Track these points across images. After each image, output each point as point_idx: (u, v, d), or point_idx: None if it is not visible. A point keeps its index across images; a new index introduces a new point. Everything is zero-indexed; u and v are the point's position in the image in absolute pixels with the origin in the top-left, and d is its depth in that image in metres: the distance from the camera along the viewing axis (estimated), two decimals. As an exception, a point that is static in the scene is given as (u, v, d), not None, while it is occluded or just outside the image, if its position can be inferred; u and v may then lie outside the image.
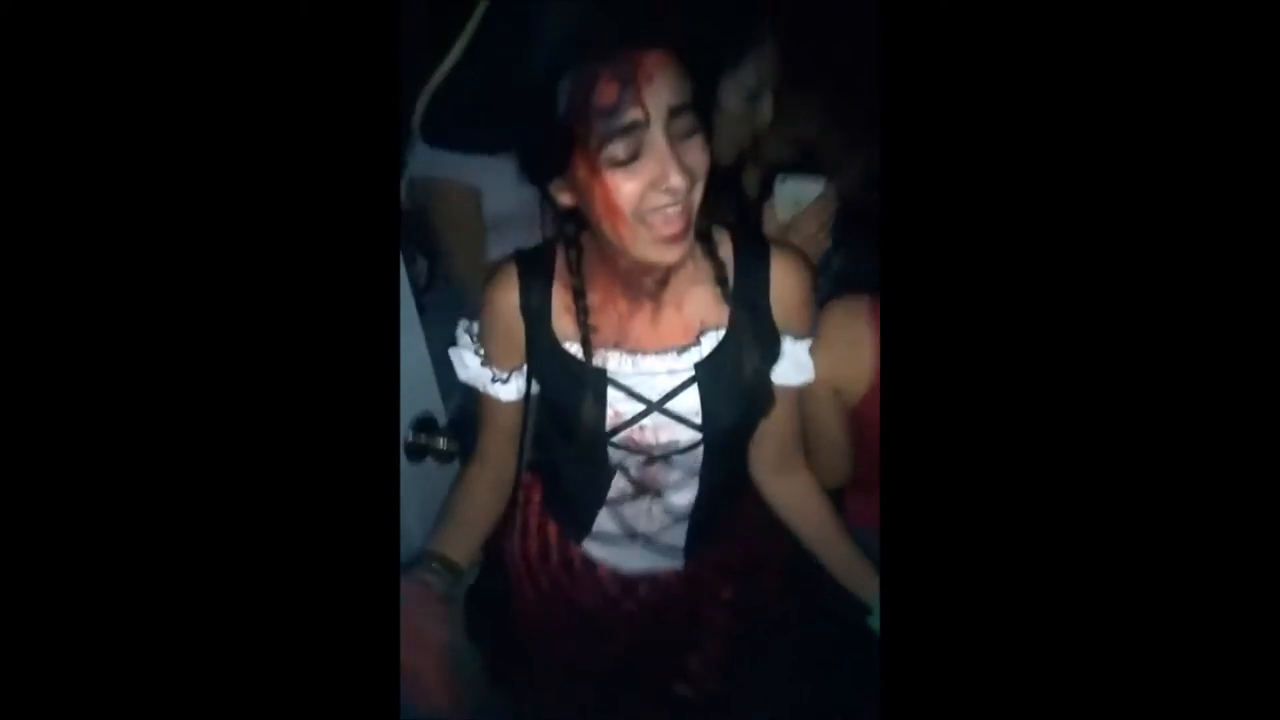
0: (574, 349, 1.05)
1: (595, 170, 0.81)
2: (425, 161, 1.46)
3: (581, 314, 1.02)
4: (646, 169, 0.81)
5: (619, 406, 1.07)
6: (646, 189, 0.82)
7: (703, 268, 1.03)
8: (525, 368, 1.10)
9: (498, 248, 1.39)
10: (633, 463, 1.16)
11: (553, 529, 1.34)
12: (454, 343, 1.14)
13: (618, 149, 0.80)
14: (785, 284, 1.04)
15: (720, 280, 1.03)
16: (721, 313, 1.04)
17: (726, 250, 1.05)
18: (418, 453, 1.33)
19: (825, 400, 1.25)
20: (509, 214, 1.33)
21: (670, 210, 0.84)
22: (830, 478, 1.32)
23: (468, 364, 1.13)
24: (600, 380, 1.05)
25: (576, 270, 1.01)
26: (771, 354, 1.08)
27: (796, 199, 1.22)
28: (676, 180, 0.81)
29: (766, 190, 1.28)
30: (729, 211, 1.11)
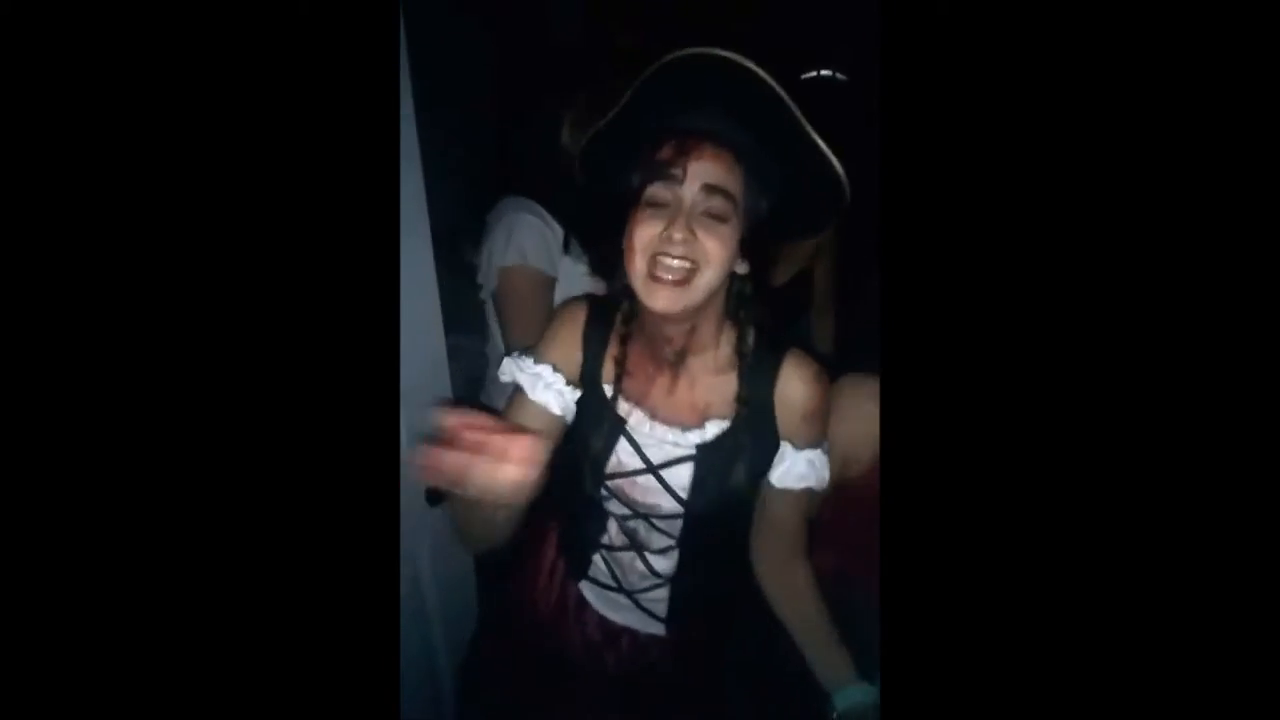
0: (608, 390, 1.15)
1: (637, 208, 0.99)
2: (519, 253, 1.61)
3: (620, 363, 1.14)
4: (665, 218, 0.97)
5: (623, 456, 1.16)
6: (660, 235, 0.97)
7: (721, 358, 1.13)
8: (577, 391, 1.17)
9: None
10: (621, 513, 1.24)
11: (560, 565, 1.41)
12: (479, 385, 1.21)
13: (656, 191, 0.98)
14: (792, 392, 1.12)
15: (734, 374, 1.13)
16: (730, 406, 1.13)
17: (747, 349, 1.14)
18: (436, 498, 1.41)
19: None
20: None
21: (673, 262, 0.97)
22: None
23: (532, 369, 1.15)
24: (617, 428, 1.15)
25: (628, 322, 1.14)
26: (768, 457, 1.15)
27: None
28: (679, 234, 0.95)
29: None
30: (760, 317, 1.17)
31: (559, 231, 1.64)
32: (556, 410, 1.13)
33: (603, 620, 1.38)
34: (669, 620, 1.35)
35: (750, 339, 1.13)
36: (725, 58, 0.91)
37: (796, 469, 1.14)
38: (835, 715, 1.15)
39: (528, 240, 1.61)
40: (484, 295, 1.74)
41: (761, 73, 0.91)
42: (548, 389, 1.13)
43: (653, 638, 1.37)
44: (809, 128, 0.94)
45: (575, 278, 1.59)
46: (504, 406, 1.18)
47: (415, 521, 1.39)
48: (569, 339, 1.17)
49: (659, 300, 0.98)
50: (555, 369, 1.14)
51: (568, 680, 1.40)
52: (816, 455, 1.14)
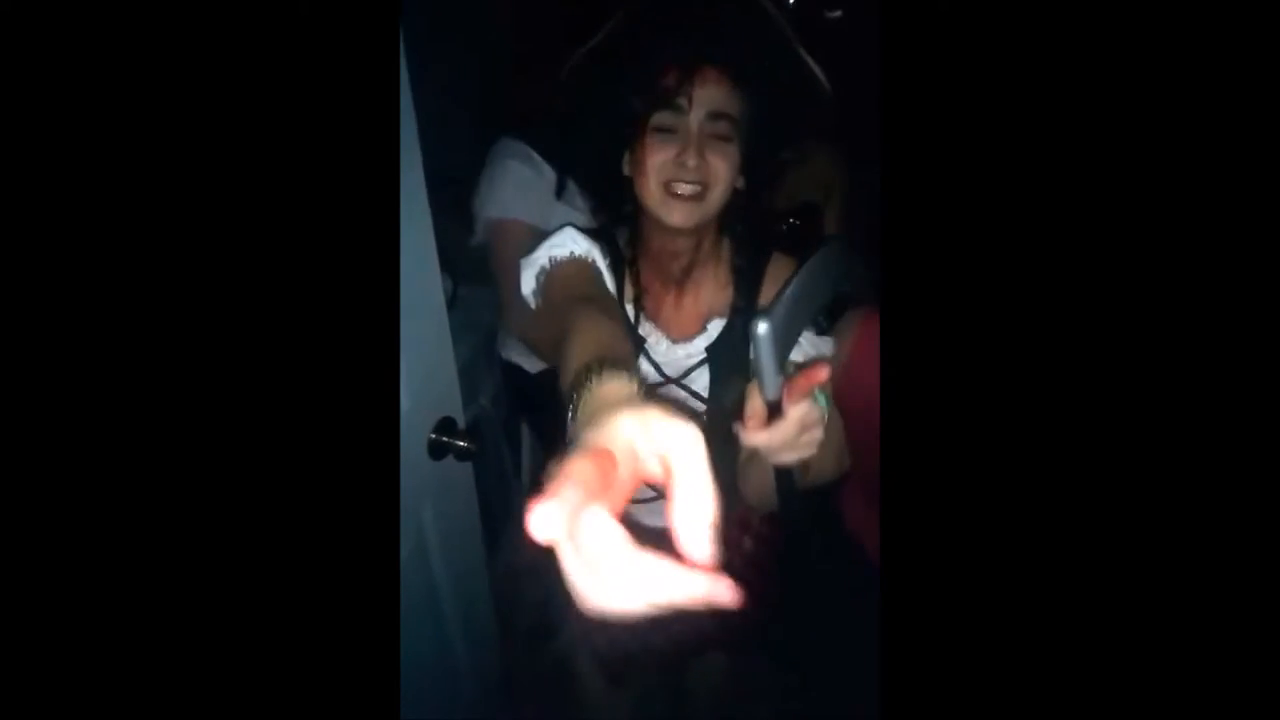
0: (630, 312, 1.23)
1: (643, 134, 1.06)
2: (500, 205, 1.59)
3: (635, 283, 1.22)
4: (676, 143, 1.05)
5: (645, 370, 1.24)
6: (672, 159, 1.05)
7: (721, 270, 1.24)
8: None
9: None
10: None
11: None
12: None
13: (662, 118, 1.04)
14: (777, 279, 1.20)
15: (728, 276, 1.24)
16: (726, 304, 1.23)
17: (740, 257, 1.25)
18: (439, 450, 1.42)
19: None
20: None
21: (686, 183, 1.06)
22: (827, 468, 1.39)
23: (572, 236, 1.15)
24: (638, 347, 1.23)
25: (632, 244, 1.22)
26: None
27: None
28: (692, 160, 1.04)
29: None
30: (755, 230, 1.29)
31: (550, 175, 1.60)
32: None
33: (637, 526, 1.40)
34: None
35: (746, 250, 1.24)
36: None
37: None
38: None
39: (507, 189, 1.57)
40: (473, 243, 1.72)
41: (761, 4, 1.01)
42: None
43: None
44: (797, 44, 1.05)
45: (564, 215, 1.55)
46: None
47: (418, 478, 1.41)
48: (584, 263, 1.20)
49: (677, 216, 1.09)
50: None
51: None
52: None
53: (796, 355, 1.21)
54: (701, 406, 1.24)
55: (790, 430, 0.79)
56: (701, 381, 1.24)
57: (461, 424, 1.48)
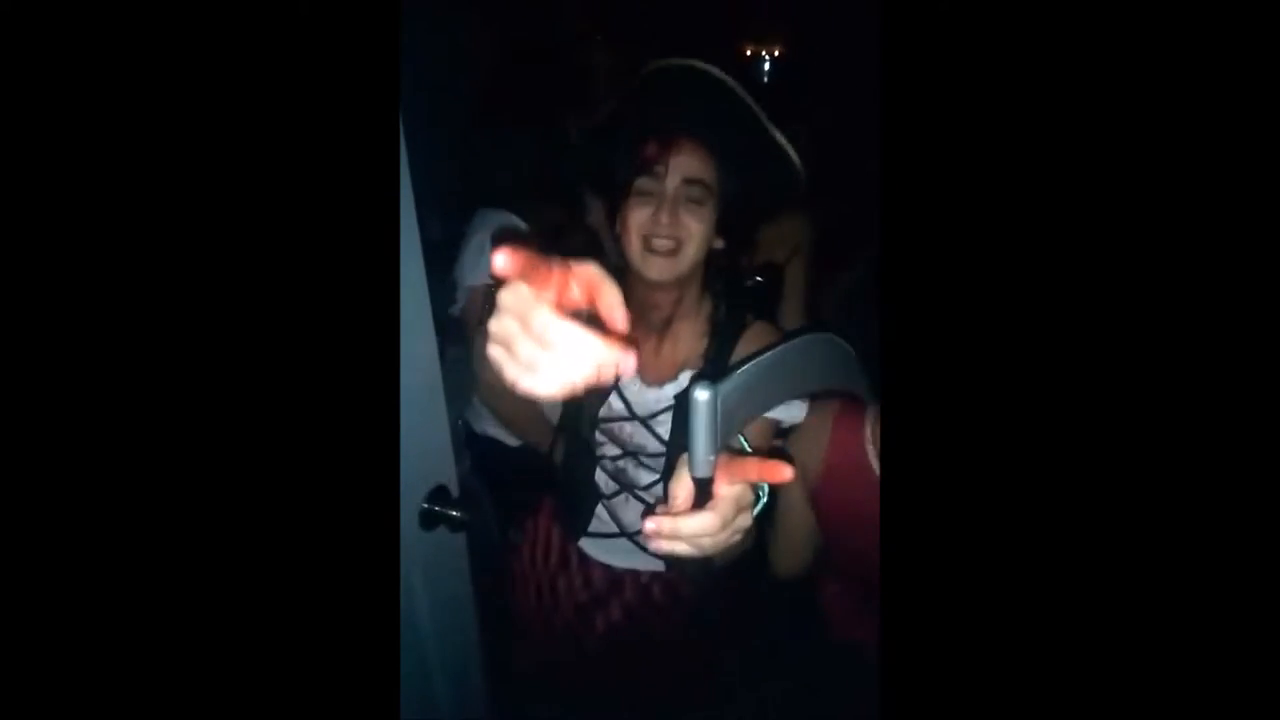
0: None
1: (627, 198, 1.21)
2: (483, 272, 1.68)
3: None
4: (653, 205, 1.19)
5: (614, 405, 1.37)
6: (650, 218, 1.19)
7: (700, 324, 1.35)
8: None
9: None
10: (609, 454, 1.42)
11: (555, 533, 1.57)
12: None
13: (643, 183, 1.20)
14: (752, 343, 1.29)
15: (706, 330, 1.34)
16: (700, 355, 1.33)
17: (720, 316, 1.35)
18: (431, 520, 1.39)
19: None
20: None
21: (661, 239, 1.19)
22: (795, 561, 1.50)
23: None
24: (612, 386, 1.34)
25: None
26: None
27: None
28: (666, 218, 1.18)
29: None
30: (733, 289, 1.40)
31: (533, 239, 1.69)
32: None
33: (606, 568, 1.51)
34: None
35: (723, 308, 1.34)
36: (695, 68, 1.14)
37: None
38: None
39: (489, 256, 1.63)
40: (454, 313, 1.78)
41: (728, 79, 1.14)
42: None
43: (655, 576, 1.50)
44: (770, 126, 1.17)
45: None
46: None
47: (410, 541, 1.38)
48: None
49: (653, 270, 1.22)
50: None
51: (574, 636, 1.52)
52: None
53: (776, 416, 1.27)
54: (661, 447, 1.34)
55: (710, 524, 0.69)
56: (665, 425, 1.34)
57: (455, 493, 1.46)
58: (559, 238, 1.71)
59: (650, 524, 0.70)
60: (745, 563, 1.39)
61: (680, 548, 0.70)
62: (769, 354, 0.65)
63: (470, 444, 2.14)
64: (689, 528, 0.69)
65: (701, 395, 0.62)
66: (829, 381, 0.73)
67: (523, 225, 1.72)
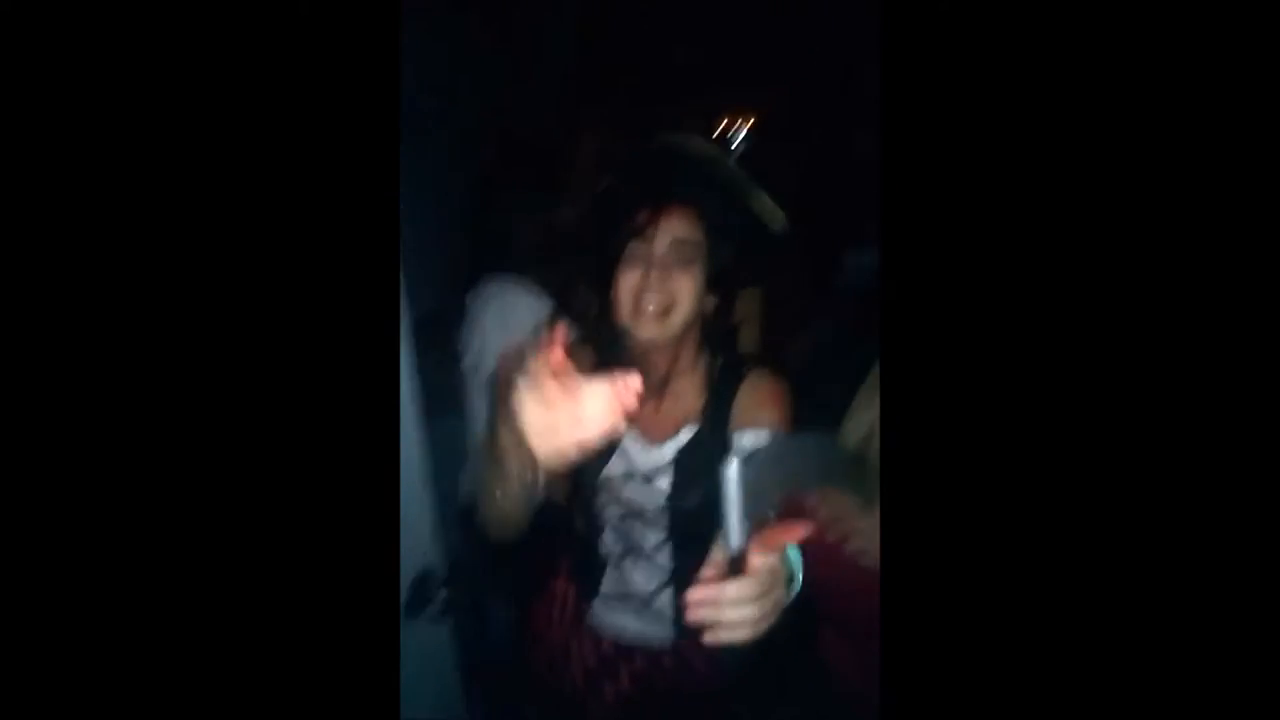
0: None
1: (620, 265, 1.24)
2: (505, 337, 1.72)
3: None
4: (643, 269, 1.23)
5: (615, 465, 1.38)
6: (640, 281, 1.22)
7: (698, 380, 1.36)
8: None
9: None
10: (613, 515, 1.42)
11: (572, 591, 1.56)
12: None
13: (634, 248, 1.23)
14: (750, 400, 1.32)
15: (704, 386, 1.36)
16: (699, 411, 1.35)
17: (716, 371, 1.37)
18: (418, 605, 1.39)
19: None
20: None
21: (652, 302, 1.22)
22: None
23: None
24: (613, 445, 1.36)
25: (616, 355, 1.32)
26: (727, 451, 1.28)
27: None
28: (656, 280, 1.22)
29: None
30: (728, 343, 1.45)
31: (546, 304, 1.75)
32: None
33: (613, 640, 1.50)
34: (676, 623, 1.46)
35: (720, 362, 1.37)
36: (681, 143, 1.25)
37: (744, 444, 1.27)
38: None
39: (526, 320, 1.72)
40: (472, 378, 1.81)
41: (712, 149, 1.24)
42: None
43: (663, 653, 1.49)
44: (754, 188, 1.25)
45: None
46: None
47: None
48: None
49: (646, 330, 1.24)
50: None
51: (580, 708, 1.50)
52: (763, 433, 1.29)
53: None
54: (663, 503, 1.35)
55: (749, 590, 0.70)
56: (667, 482, 1.34)
57: (443, 573, 1.47)
58: (563, 306, 1.75)
59: (691, 594, 0.71)
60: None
61: (723, 615, 0.70)
62: (801, 435, 0.66)
63: (467, 517, 2.09)
64: (729, 594, 0.70)
65: (732, 469, 0.62)
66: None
67: (536, 294, 1.76)
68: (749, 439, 1.28)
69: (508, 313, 1.73)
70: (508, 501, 1.18)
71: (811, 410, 1.50)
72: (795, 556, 0.91)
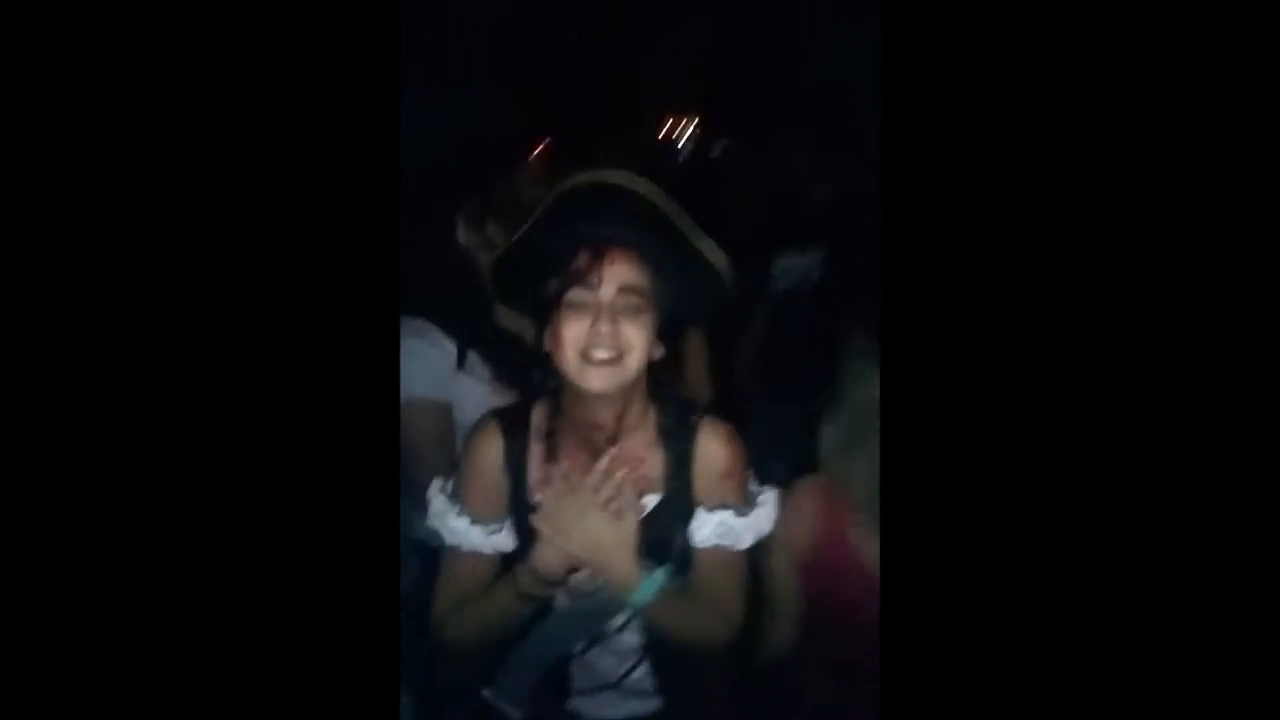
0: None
1: (560, 311, 1.13)
2: (404, 384, 1.51)
3: (551, 456, 1.22)
4: (589, 316, 1.12)
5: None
6: (587, 330, 1.11)
7: (648, 436, 1.24)
8: (508, 521, 1.24)
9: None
10: (569, 607, 1.28)
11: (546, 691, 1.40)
12: (426, 511, 1.27)
13: (577, 294, 1.12)
14: (708, 453, 1.23)
15: (655, 444, 1.24)
16: (659, 480, 1.23)
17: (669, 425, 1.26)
18: None
19: (778, 554, 1.36)
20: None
21: (602, 352, 1.11)
22: (781, 638, 1.41)
23: (455, 528, 1.22)
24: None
25: (553, 418, 1.24)
26: (691, 521, 1.23)
27: None
28: (606, 327, 1.11)
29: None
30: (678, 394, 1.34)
31: (450, 349, 1.60)
32: (491, 551, 1.23)
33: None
34: (663, 690, 1.36)
35: (670, 415, 1.25)
36: (615, 183, 1.12)
37: (704, 530, 1.22)
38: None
39: (412, 369, 1.54)
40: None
41: (650, 192, 1.12)
42: (477, 541, 1.22)
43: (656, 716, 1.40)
44: (697, 235, 1.15)
45: (476, 395, 1.56)
46: (443, 556, 1.26)
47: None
48: (487, 470, 1.24)
49: (595, 381, 1.13)
50: (477, 520, 1.21)
51: None
52: (728, 516, 1.22)
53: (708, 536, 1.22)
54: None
55: None
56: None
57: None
58: (481, 351, 1.61)
59: None
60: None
61: None
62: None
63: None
64: None
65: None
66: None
67: (439, 333, 1.60)
68: (705, 528, 1.22)
69: (412, 360, 1.55)
70: (481, 620, 1.17)
71: (773, 431, 1.45)
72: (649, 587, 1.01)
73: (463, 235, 1.63)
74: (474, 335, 1.60)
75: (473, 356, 1.60)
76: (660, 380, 1.24)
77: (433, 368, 1.58)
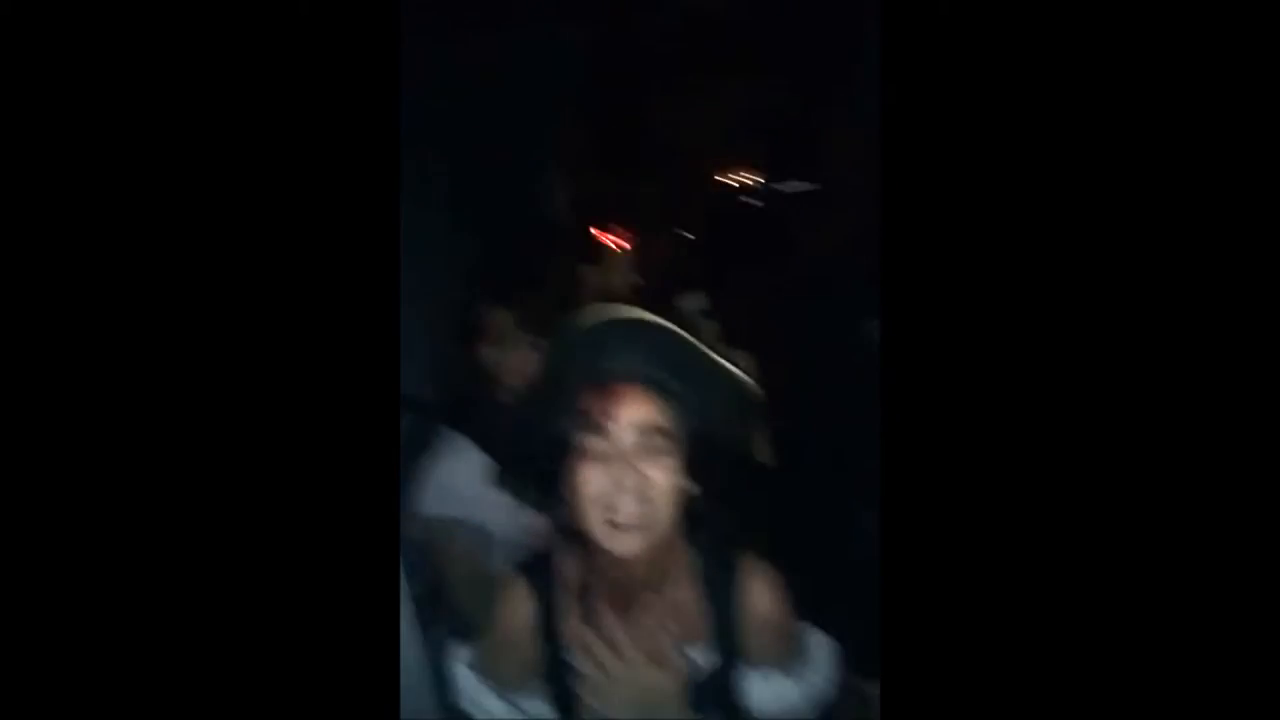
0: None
1: (575, 458, 1.01)
2: (439, 501, 1.51)
3: (584, 618, 1.09)
4: (610, 467, 0.99)
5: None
6: (610, 486, 0.99)
7: (685, 591, 1.11)
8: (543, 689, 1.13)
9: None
10: None
11: None
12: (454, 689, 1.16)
13: (593, 443, 1.00)
14: (756, 601, 1.11)
15: (699, 592, 1.11)
16: (703, 629, 1.10)
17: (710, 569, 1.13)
18: None
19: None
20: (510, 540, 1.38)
21: (630, 509, 0.99)
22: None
23: (491, 709, 1.12)
24: None
25: (584, 570, 1.10)
26: (742, 683, 1.11)
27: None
28: (630, 480, 0.98)
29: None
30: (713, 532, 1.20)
31: (491, 467, 1.49)
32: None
33: None
34: None
35: (713, 561, 1.13)
36: (632, 319, 1.04)
37: (777, 692, 1.11)
38: None
39: (451, 482, 1.53)
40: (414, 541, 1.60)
41: (669, 326, 1.04)
42: (514, 717, 1.12)
43: None
44: (716, 355, 1.05)
45: (505, 509, 1.46)
46: None
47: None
48: (518, 638, 1.13)
49: (624, 545, 1.01)
50: (507, 689, 1.12)
51: None
52: (778, 678, 1.11)
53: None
54: None
55: None
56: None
57: None
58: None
59: None
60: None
61: None
62: None
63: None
64: None
65: None
66: None
67: (478, 453, 1.54)
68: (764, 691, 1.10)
69: (453, 476, 1.52)
70: None
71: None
72: None
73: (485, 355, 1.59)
74: (507, 457, 1.48)
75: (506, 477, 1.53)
76: (696, 522, 1.09)
77: (470, 488, 1.48)
